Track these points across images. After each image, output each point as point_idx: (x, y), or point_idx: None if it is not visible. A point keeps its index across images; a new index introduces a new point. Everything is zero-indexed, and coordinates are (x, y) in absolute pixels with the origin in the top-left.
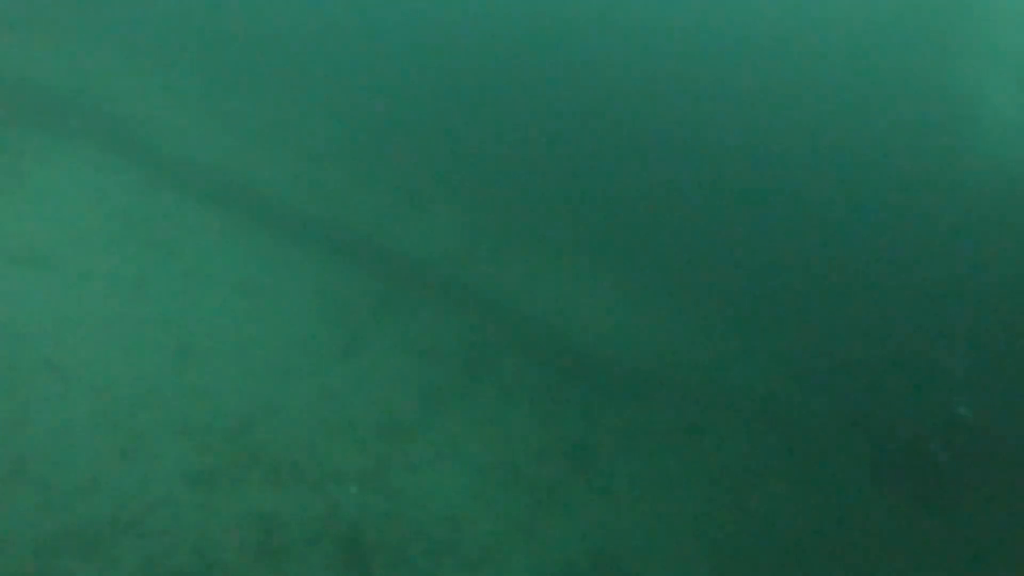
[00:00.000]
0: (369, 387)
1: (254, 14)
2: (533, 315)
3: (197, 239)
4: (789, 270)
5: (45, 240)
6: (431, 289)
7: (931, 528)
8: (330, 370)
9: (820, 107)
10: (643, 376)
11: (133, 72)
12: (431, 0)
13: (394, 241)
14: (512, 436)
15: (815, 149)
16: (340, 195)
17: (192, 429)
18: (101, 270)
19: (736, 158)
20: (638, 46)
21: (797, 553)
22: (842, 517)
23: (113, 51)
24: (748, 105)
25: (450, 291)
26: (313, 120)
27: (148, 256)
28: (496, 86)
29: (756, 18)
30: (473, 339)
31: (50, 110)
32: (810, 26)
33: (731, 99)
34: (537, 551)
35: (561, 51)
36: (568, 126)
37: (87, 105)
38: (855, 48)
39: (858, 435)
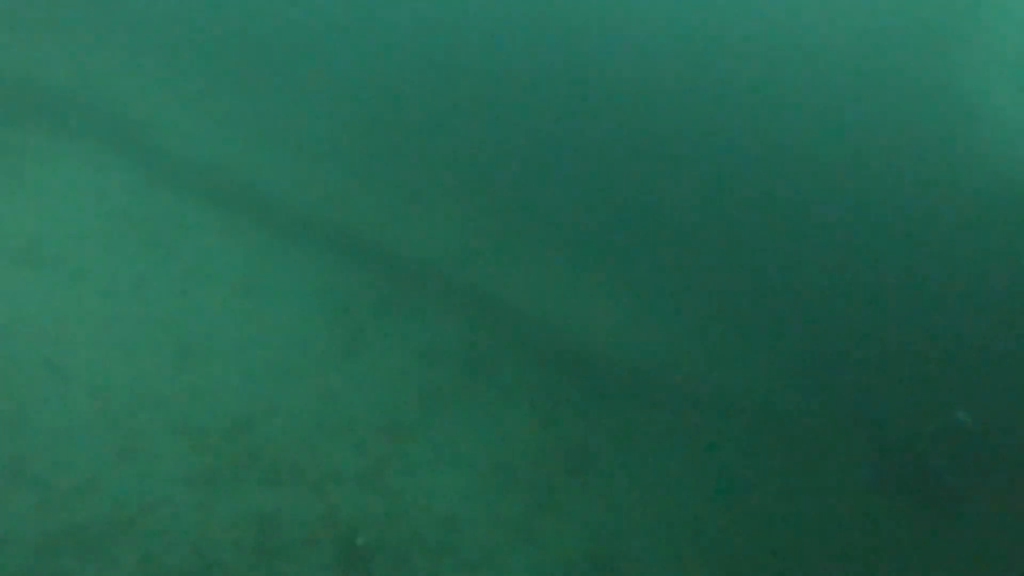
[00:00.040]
0: (369, 388)
1: (254, 15)
2: (533, 317)
3: (197, 239)
4: (789, 273)
5: (45, 239)
6: (431, 290)
7: (930, 531)
8: (330, 371)
9: (820, 108)
10: (642, 378)
11: (134, 72)
12: (433, 1)
13: (395, 241)
14: (511, 437)
15: (816, 152)
16: (340, 195)
17: (191, 429)
18: (101, 270)
19: (737, 162)
20: (642, 49)
21: (794, 555)
22: (841, 520)
23: (114, 51)
24: (749, 108)
25: (450, 292)
26: (313, 120)
27: (148, 256)
28: (497, 87)
29: (759, 21)
30: (473, 340)
31: (51, 110)
32: (811, 28)
33: (732, 103)
34: (536, 553)
35: (563, 54)
36: (569, 129)
37: (88, 105)
38: (857, 50)
39: (858, 438)
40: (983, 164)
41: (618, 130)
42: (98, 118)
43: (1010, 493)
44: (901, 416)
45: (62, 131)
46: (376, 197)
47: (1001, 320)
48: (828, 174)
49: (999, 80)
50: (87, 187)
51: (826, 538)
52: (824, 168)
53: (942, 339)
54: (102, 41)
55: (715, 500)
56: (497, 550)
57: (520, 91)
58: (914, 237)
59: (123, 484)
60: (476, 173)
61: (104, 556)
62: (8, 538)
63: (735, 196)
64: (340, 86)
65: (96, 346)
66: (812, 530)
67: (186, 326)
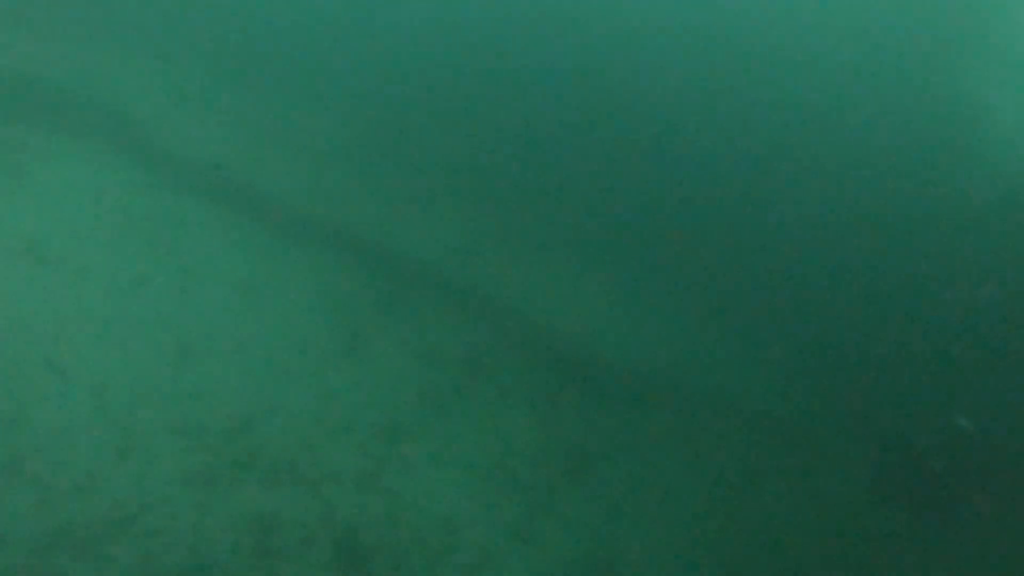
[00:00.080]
0: (369, 388)
1: (255, 14)
2: (533, 317)
3: (197, 238)
4: (789, 274)
5: (45, 238)
6: (431, 290)
7: (929, 534)
8: (330, 370)
9: (821, 109)
10: (641, 379)
11: (134, 71)
12: (434, 2)
13: (395, 241)
14: (511, 438)
15: (816, 153)
16: (341, 194)
17: (190, 429)
18: (101, 268)
19: (737, 163)
20: (642, 49)
21: (794, 558)
22: (840, 523)
23: (114, 50)
24: (748, 109)
25: (451, 292)
26: (314, 119)
27: (148, 254)
28: (498, 87)
29: (760, 22)
30: (473, 340)
31: (51, 108)
32: (812, 29)
33: (732, 104)
34: (535, 553)
35: (563, 54)
36: (569, 129)
37: (88, 103)
38: (858, 51)
39: (857, 443)
40: (984, 166)
41: (618, 130)
42: (99, 117)
43: (1010, 497)
44: (900, 418)
45: (62, 130)
46: (376, 197)
47: (1001, 322)
48: (829, 175)
49: (1001, 81)
50: (87, 186)
51: (825, 541)
52: (825, 169)
53: (942, 342)
54: (102, 40)
55: (714, 503)
56: (496, 551)
57: (520, 91)
58: (915, 239)
59: (122, 483)
60: (476, 173)
61: (102, 555)
62: (6, 537)
63: (736, 197)
64: (341, 86)
65: (95, 345)
66: (811, 533)
67: (186, 325)
